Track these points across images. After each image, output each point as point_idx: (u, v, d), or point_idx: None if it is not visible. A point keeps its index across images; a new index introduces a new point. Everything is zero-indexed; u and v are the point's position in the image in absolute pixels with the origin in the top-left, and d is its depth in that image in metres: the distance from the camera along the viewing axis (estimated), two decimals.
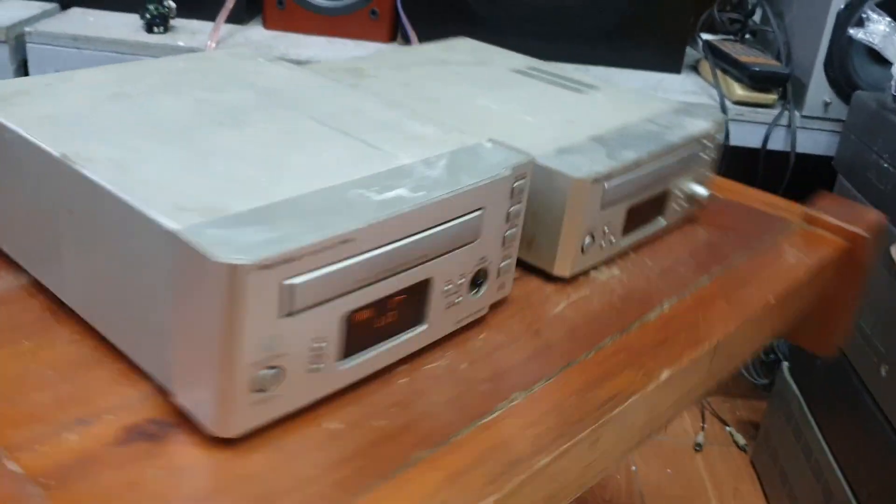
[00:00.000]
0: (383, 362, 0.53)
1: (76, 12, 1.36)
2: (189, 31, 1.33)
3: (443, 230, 0.51)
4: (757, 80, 1.23)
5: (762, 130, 1.27)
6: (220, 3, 1.31)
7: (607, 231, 0.64)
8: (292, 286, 0.44)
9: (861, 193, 1.20)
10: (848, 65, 1.23)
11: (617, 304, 0.63)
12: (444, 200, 0.50)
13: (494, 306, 0.61)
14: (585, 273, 0.66)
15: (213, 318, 0.43)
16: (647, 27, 1.35)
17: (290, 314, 0.45)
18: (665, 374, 0.56)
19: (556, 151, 0.63)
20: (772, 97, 1.26)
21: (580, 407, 0.52)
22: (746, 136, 1.27)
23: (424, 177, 0.52)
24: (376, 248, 0.48)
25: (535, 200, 0.61)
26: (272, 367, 0.45)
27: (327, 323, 0.48)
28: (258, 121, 0.58)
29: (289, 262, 0.44)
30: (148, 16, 1.29)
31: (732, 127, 1.26)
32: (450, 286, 0.54)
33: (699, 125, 0.72)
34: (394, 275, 0.50)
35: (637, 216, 0.67)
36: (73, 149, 0.50)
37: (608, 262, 0.67)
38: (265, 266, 0.42)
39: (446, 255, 0.52)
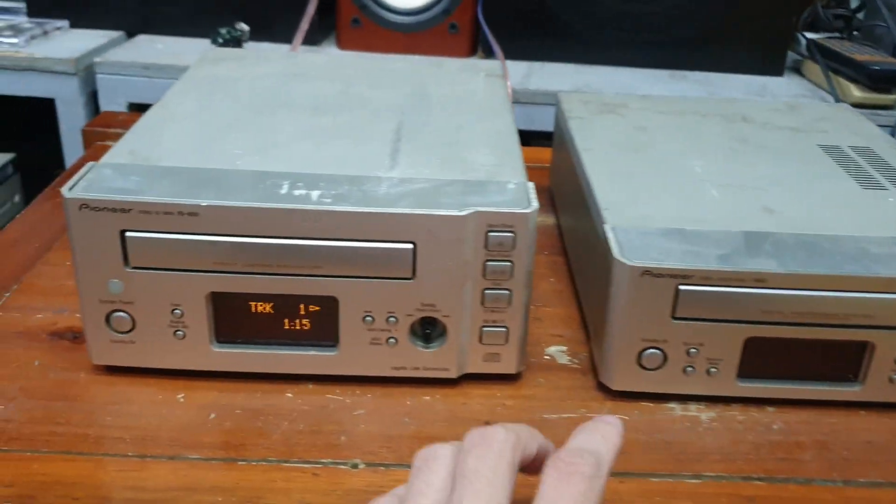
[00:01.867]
0: (280, 367, 0.53)
1: (143, 40, 1.32)
2: (265, 51, 1.27)
3: (342, 247, 0.49)
4: (876, 79, 1.13)
5: None
6: (293, 25, 1.25)
7: (695, 354, 0.51)
8: (129, 238, 0.49)
9: None
10: None
11: (636, 451, 0.49)
12: (346, 215, 0.49)
13: (484, 379, 0.54)
14: (655, 398, 0.53)
15: None
16: (744, 28, 1.25)
17: (133, 266, 0.50)
18: None
19: (655, 232, 0.52)
20: (892, 97, 1.16)
21: None
22: None
23: (378, 192, 0.50)
24: (236, 236, 0.49)
25: (599, 280, 0.53)
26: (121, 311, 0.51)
27: (187, 292, 0.50)
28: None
29: (124, 211, 0.48)
30: (220, 40, 1.23)
31: None
32: (370, 318, 0.51)
33: None
34: (272, 273, 0.50)
35: (773, 357, 0.52)
36: None
37: (707, 401, 0.54)
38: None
39: (358, 280, 0.50)
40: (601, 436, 0.39)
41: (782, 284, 0.49)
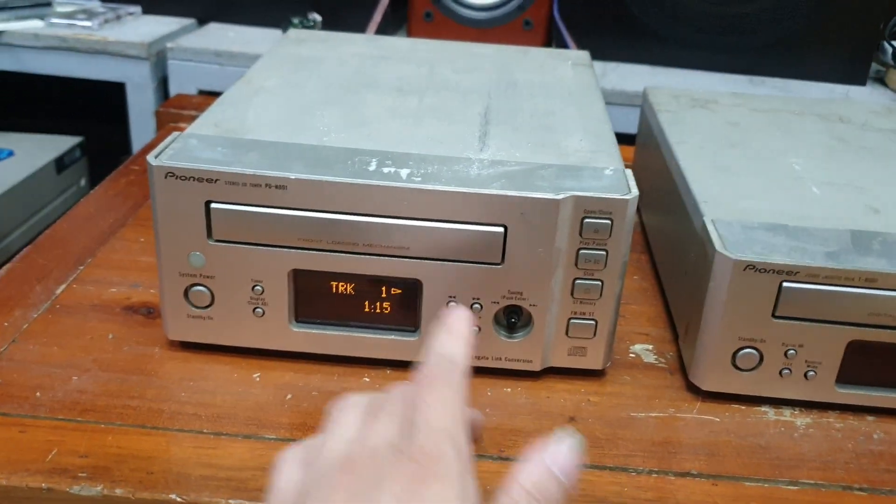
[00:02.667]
0: (359, 350, 0.52)
1: (214, 28, 1.32)
2: (347, 33, 1.26)
3: (430, 227, 0.47)
4: None
5: None
6: (365, 16, 1.24)
7: (794, 356, 0.49)
8: (214, 209, 0.47)
9: None
10: None
11: (729, 454, 0.47)
12: (436, 194, 0.47)
13: (567, 374, 0.52)
14: (747, 401, 0.51)
15: None
16: (829, 35, 1.22)
17: (216, 239, 0.48)
18: None
19: (758, 226, 0.50)
20: None
21: None
22: None
23: (469, 173, 0.48)
24: (323, 212, 0.47)
25: (695, 276, 0.51)
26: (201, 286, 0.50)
27: (269, 268, 0.49)
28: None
29: (211, 181, 0.47)
30: (292, 29, 1.22)
31: None
32: (454, 303, 0.49)
33: None
34: (356, 252, 0.48)
35: (876, 362, 0.49)
36: None
37: (802, 406, 0.51)
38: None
39: (445, 263, 0.48)
40: (452, 335, 0.41)
41: (894, 285, 0.46)
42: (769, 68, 1.24)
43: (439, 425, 0.35)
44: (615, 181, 0.49)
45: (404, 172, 0.48)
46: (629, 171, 0.50)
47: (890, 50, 1.25)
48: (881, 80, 1.28)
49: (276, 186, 0.46)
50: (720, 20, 1.21)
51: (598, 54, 1.25)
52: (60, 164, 1.32)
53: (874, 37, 1.23)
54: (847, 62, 1.24)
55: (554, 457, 0.35)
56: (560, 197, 0.47)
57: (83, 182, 1.40)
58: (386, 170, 0.48)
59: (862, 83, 1.25)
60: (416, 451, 0.34)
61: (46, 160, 1.29)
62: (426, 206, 0.47)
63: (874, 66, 1.30)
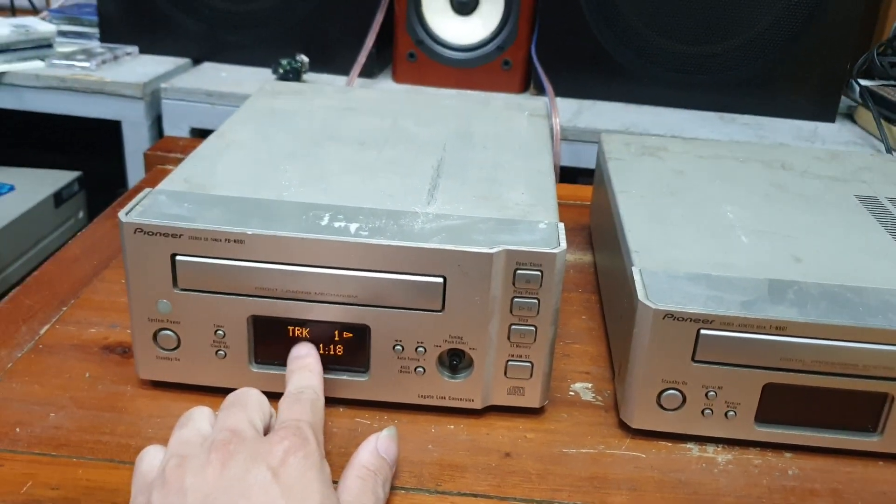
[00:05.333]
0: None
1: (208, 67, 1.37)
2: (321, 85, 1.31)
3: (376, 278, 0.52)
4: None
5: None
6: (350, 58, 1.29)
7: (714, 397, 0.53)
8: (179, 261, 0.52)
9: None
10: None
11: (650, 488, 0.51)
12: (380, 248, 0.51)
13: (508, 412, 0.56)
14: (674, 438, 0.55)
15: None
16: (798, 73, 1.26)
17: (181, 288, 0.53)
18: None
19: (682, 276, 0.54)
20: None
21: None
22: None
23: (414, 227, 0.53)
24: (278, 263, 0.52)
25: (626, 320, 0.55)
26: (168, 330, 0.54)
27: (229, 314, 0.54)
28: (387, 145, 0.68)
29: (175, 236, 0.51)
30: (281, 70, 1.27)
31: None
32: (400, 347, 0.54)
33: None
34: (309, 300, 0.53)
35: (791, 403, 0.53)
36: None
37: (725, 443, 0.55)
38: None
39: (390, 310, 0.53)
40: (309, 371, 0.52)
41: (802, 333, 0.50)
42: (740, 106, 1.29)
43: (295, 417, 0.46)
44: (547, 235, 0.53)
45: (353, 227, 0.52)
46: (561, 225, 0.54)
47: (858, 88, 1.29)
48: (850, 117, 1.32)
49: (235, 241, 0.51)
50: (692, 59, 1.25)
51: (575, 92, 1.30)
52: (59, 198, 1.37)
53: (843, 75, 1.27)
54: (816, 100, 1.28)
55: (379, 442, 0.49)
56: (494, 251, 0.51)
57: (81, 215, 1.45)
58: (337, 224, 0.52)
59: (831, 120, 1.29)
60: (282, 431, 0.44)
61: (45, 194, 1.34)
62: (372, 259, 0.51)
63: (846, 102, 1.34)
